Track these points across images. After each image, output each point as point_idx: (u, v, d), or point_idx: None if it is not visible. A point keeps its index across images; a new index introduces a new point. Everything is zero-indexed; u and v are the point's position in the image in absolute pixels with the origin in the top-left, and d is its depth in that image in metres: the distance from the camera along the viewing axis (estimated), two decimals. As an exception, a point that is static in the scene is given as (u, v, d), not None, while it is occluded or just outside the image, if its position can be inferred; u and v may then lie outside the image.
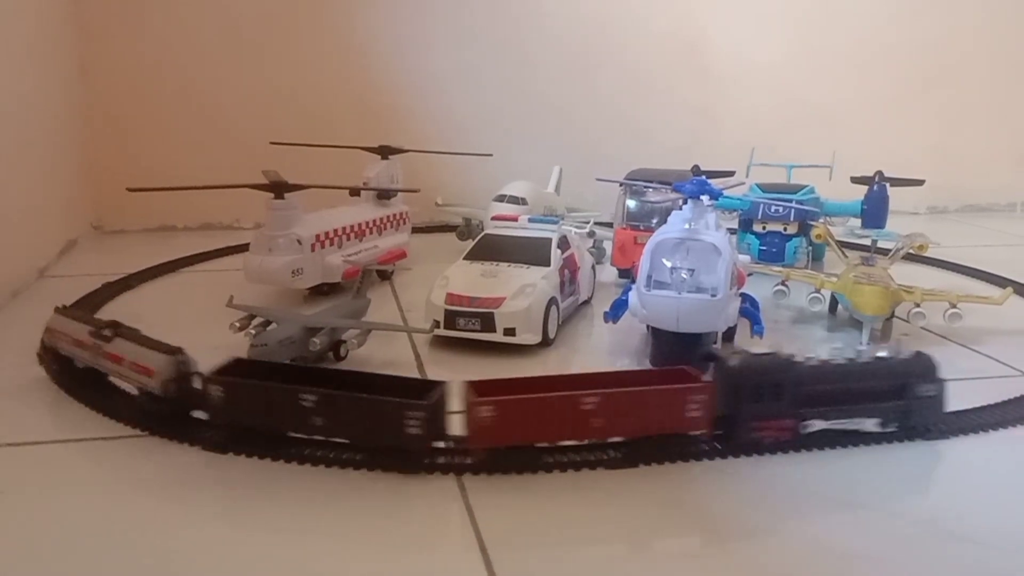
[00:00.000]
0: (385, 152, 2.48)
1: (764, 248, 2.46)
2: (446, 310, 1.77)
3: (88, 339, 1.49)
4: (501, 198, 2.49)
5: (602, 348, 1.86)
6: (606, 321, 1.78)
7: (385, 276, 2.35)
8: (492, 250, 1.95)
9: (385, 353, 1.79)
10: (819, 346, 1.89)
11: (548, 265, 1.90)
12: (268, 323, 1.67)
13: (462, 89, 3.07)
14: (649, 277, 1.64)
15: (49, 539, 1.11)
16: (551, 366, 1.77)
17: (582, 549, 1.12)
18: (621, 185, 2.32)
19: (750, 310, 1.72)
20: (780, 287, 2.00)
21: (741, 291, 1.82)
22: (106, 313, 2.03)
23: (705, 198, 1.73)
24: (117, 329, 1.48)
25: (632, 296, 1.69)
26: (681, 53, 3.16)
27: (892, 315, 2.00)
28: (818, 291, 1.95)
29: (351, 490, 1.24)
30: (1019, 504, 1.26)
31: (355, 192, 2.40)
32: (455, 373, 1.70)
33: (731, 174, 2.80)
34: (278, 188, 2.02)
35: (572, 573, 1.07)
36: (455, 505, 1.20)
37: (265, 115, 2.86)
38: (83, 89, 2.77)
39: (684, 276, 1.63)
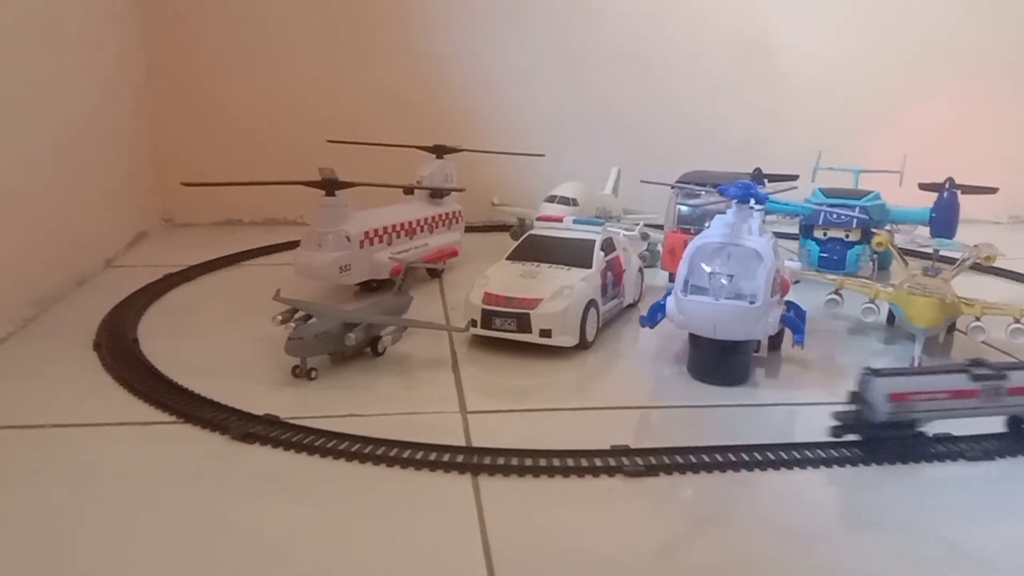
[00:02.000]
0: (440, 151, 2.50)
1: (825, 255, 2.38)
2: (483, 309, 1.77)
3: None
4: (552, 199, 2.47)
5: (642, 353, 1.83)
6: (643, 325, 1.75)
7: (435, 274, 2.36)
8: (535, 250, 1.94)
9: (424, 351, 1.80)
10: (874, 359, 1.82)
11: (590, 267, 1.88)
12: (309, 317, 1.71)
13: (520, 90, 3.07)
14: (686, 282, 1.61)
15: (72, 520, 1.15)
16: (587, 369, 1.76)
17: (585, 557, 1.10)
18: (672, 187, 2.28)
19: (792, 319, 1.66)
20: (833, 296, 1.93)
21: (786, 299, 1.77)
22: (163, 303, 2.12)
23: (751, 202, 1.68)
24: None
25: (670, 301, 1.66)
26: (745, 52, 3.07)
27: (952, 328, 1.92)
28: (872, 301, 1.87)
29: (371, 482, 1.26)
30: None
31: (409, 191, 2.42)
32: (488, 372, 1.74)
33: (794, 178, 2.73)
34: (328, 185, 2.05)
35: (573, 578, 1.06)
36: (464, 501, 1.20)
37: (325, 114, 2.91)
38: (154, 88, 2.87)
39: (723, 282, 1.59)
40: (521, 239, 1.99)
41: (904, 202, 2.59)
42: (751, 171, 2.69)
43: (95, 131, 2.45)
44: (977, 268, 2.15)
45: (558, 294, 1.77)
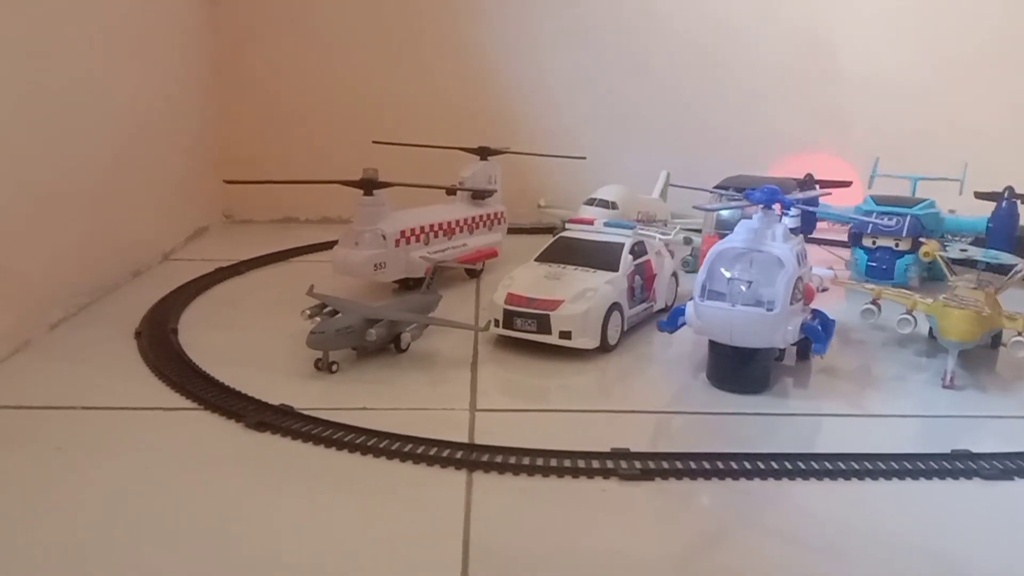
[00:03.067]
0: (484, 153, 2.53)
1: (873, 264, 2.32)
2: (505, 309, 1.79)
3: None
4: (591, 201, 2.47)
5: (664, 358, 1.82)
6: (661, 330, 1.73)
7: (474, 274, 2.39)
8: (563, 252, 1.95)
9: (449, 349, 1.82)
10: (909, 372, 1.77)
11: (616, 270, 1.87)
12: (336, 312, 1.75)
13: (572, 90, 3.06)
14: (704, 287, 1.60)
15: (83, 495, 1.22)
16: (608, 373, 1.76)
17: (559, 556, 1.11)
18: (712, 191, 2.25)
19: (813, 327, 1.62)
20: (869, 306, 1.87)
21: (815, 308, 1.73)
22: (208, 296, 2.20)
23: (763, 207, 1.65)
24: None
25: (689, 306, 1.65)
26: (806, 54, 3.00)
27: (996, 344, 1.84)
28: (909, 312, 1.81)
29: (367, 473, 1.29)
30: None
31: (451, 191, 2.46)
32: (508, 372, 1.75)
33: (847, 184, 2.67)
34: (366, 185, 2.10)
35: (548, 577, 1.07)
36: (454, 496, 1.22)
37: (379, 115, 2.97)
38: (218, 89, 2.99)
39: (742, 288, 1.57)
40: (552, 241, 2.00)
41: (967, 211, 2.50)
42: (804, 175, 2.66)
43: (158, 130, 2.57)
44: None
45: (580, 296, 1.77)
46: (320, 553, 1.10)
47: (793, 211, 1.85)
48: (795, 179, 2.51)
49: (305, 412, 1.47)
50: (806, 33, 2.99)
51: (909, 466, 1.34)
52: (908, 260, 2.28)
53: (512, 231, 2.66)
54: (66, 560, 1.08)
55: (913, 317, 1.80)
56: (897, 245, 2.30)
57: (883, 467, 1.33)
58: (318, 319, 1.72)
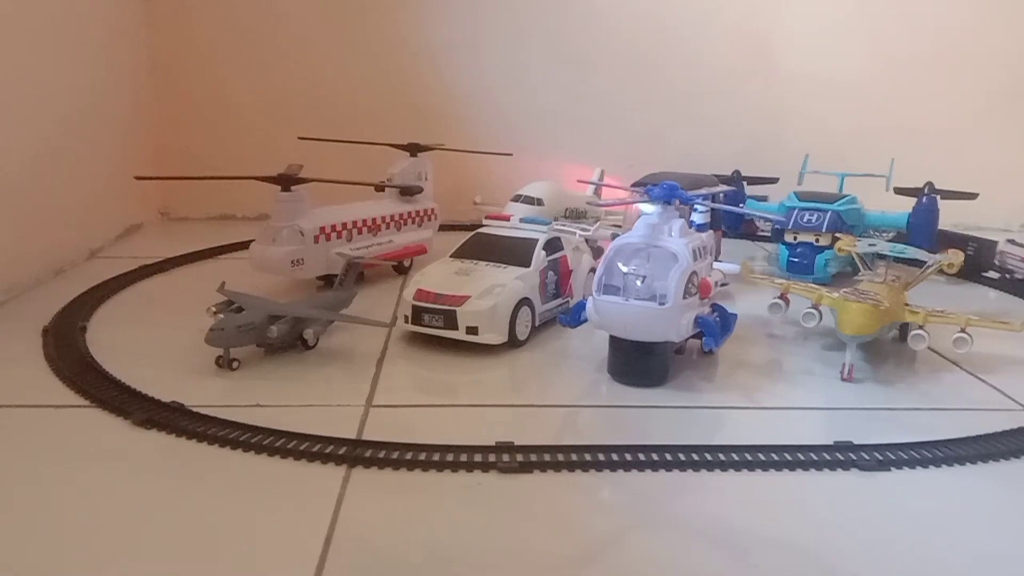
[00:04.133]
0: (414, 149, 2.53)
1: (794, 259, 2.35)
2: (413, 305, 1.80)
3: None
4: (517, 198, 2.48)
5: (575, 353, 1.82)
6: (562, 324, 1.74)
7: (402, 270, 2.40)
8: (477, 249, 1.95)
9: (359, 345, 1.83)
10: (815, 365, 1.79)
11: (528, 266, 1.88)
12: (241, 309, 1.75)
13: (513, 87, 3.08)
14: (601, 281, 1.61)
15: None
16: (516, 368, 1.76)
17: (421, 550, 1.11)
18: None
19: (707, 321, 1.63)
20: (777, 301, 1.89)
21: (715, 303, 1.75)
22: (126, 293, 2.19)
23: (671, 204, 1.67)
24: None
25: (589, 301, 1.66)
26: (743, 52, 3.02)
27: (905, 336, 1.87)
28: (814, 306, 1.83)
29: (244, 469, 1.29)
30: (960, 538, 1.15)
31: (379, 188, 2.46)
32: (415, 367, 1.76)
33: (774, 181, 2.70)
34: (283, 181, 2.10)
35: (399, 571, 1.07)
36: (329, 491, 1.23)
37: (313, 111, 2.97)
38: (153, 83, 2.97)
39: (637, 283, 1.58)
40: (468, 237, 2.01)
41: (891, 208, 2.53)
42: (731, 172, 2.68)
43: (88, 127, 2.55)
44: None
45: (487, 292, 1.78)
46: (180, 547, 1.10)
47: (701, 207, 1.86)
48: (719, 176, 2.53)
49: (196, 409, 1.46)
50: (744, 32, 3.01)
51: (789, 457, 1.35)
52: (828, 255, 2.30)
53: (450, 228, 2.66)
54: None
55: (818, 311, 1.82)
56: (818, 240, 2.32)
57: (763, 458, 1.35)
58: (223, 316, 1.72)
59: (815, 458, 1.35)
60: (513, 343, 1.81)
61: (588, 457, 1.33)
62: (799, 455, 1.36)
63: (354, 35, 3.04)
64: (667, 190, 1.67)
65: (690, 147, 2.91)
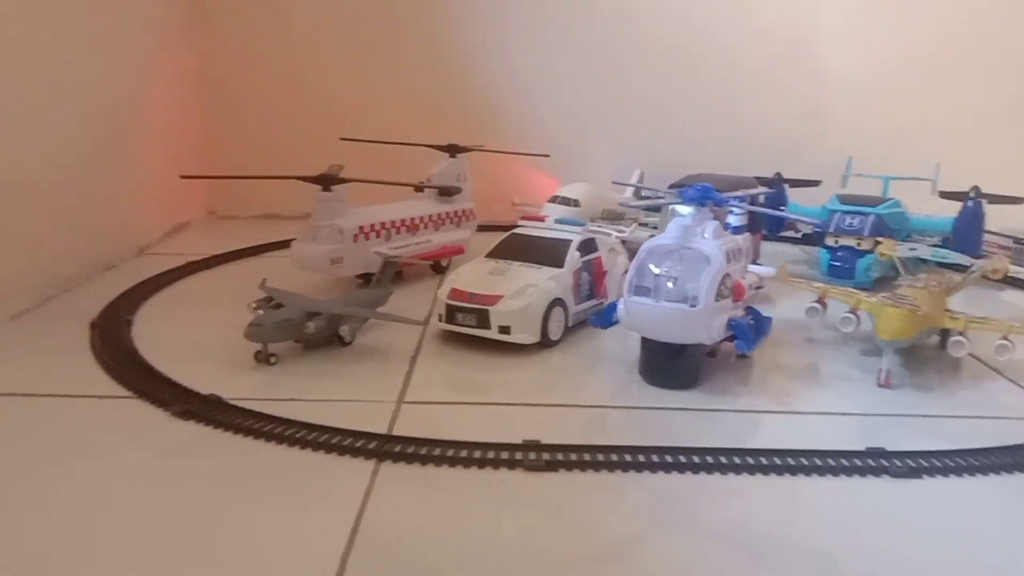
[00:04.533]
0: (452, 150, 2.55)
1: (835, 263, 2.32)
2: (447, 304, 1.82)
3: None
4: (554, 199, 2.49)
5: (604, 354, 1.83)
6: (593, 325, 1.75)
7: (439, 270, 2.42)
8: (512, 249, 1.96)
9: (395, 342, 1.85)
10: (852, 370, 1.76)
11: (561, 267, 1.89)
12: (280, 306, 1.79)
13: (548, 88, 3.09)
14: (632, 283, 1.61)
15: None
16: (547, 368, 1.77)
17: (443, 545, 1.13)
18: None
19: (740, 324, 1.62)
20: (814, 305, 1.87)
21: (749, 306, 1.74)
22: (172, 289, 2.25)
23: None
24: None
25: (620, 302, 1.66)
26: (782, 53, 2.99)
27: (943, 343, 1.83)
28: (853, 311, 1.81)
29: (275, 460, 1.33)
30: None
31: (419, 188, 2.49)
32: (448, 365, 1.78)
33: (816, 183, 2.67)
34: (324, 181, 2.14)
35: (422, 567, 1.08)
36: (357, 484, 1.25)
37: (356, 112, 3.01)
38: (202, 85, 3.05)
39: (669, 284, 1.58)
40: (503, 237, 2.02)
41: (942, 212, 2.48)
42: (773, 174, 2.65)
43: (137, 128, 2.63)
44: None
45: (520, 292, 1.79)
46: (208, 534, 1.13)
47: (738, 209, 1.86)
48: (760, 178, 2.51)
49: (233, 402, 1.50)
50: (782, 32, 2.98)
51: (819, 462, 1.34)
52: (870, 259, 2.27)
53: (489, 228, 2.68)
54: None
55: (856, 316, 1.79)
56: (859, 244, 2.29)
57: (791, 463, 1.34)
58: (262, 312, 1.76)
59: (845, 464, 1.34)
60: (545, 343, 1.82)
61: (615, 457, 1.33)
62: (829, 460, 1.34)
63: (395, 38, 3.08)
64: (701, 191, 1.67)
65: (730, 149, 2.89)
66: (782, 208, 2.56)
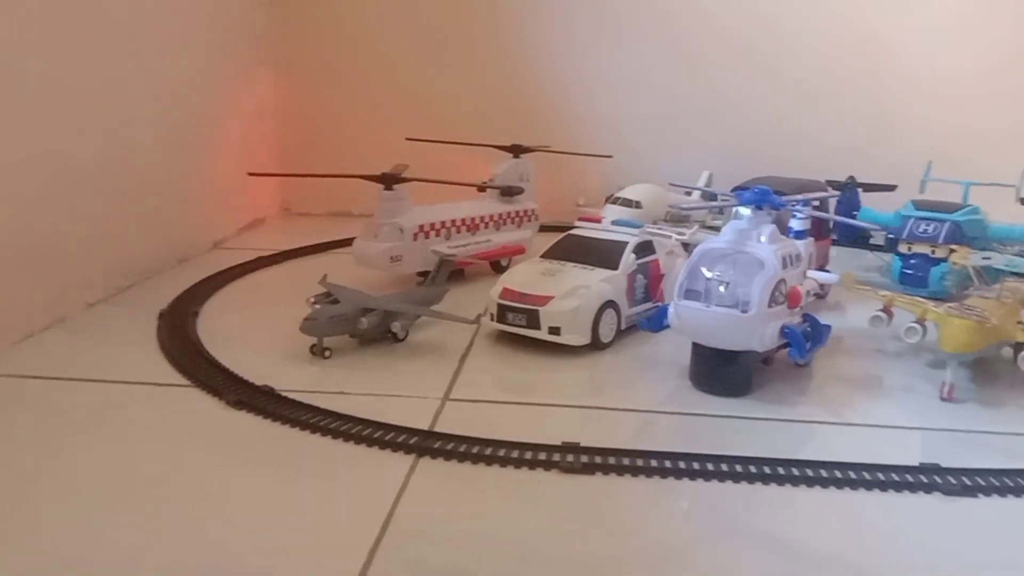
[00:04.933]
0: (516, 151, 2.56)
1: (908, 272, 2.22)
2: (498, 304, 1.83)
3: None
4: (615, 200, 2.47)
5: (657, 358, 1.79)
6: (642, 328, 1.73)
7: (500, 269, 2.43)
8: (567, 250, 1.96)
9: (447, 339, 1.87)
10: (917, 382, 1.69)
11: (615, 269, 1.88)
12: (337, 301, 1.82)
13: (615, 89, 3.06)
14: (682, 285, 1.58)
15: (61, 461, 1.33)
16: (597, 370, 1.76)
17: (472, 541, 1.13)
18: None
19: (794, 331, 1.57)
20: (879, 313, 1.80)
21: (807, 313, 1.69)
22: (240, 282, 2.33)
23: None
24: None
25: (671, 306, 1.63)
26: (856, 51, 2.88)
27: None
28: (919, 321, 1.74)
29: (317, 452, 1.36)
30: None
31: (482, 188, 2.51)
32: (497, 364, 1.79)
33: (892, 188, 2.58)
34: (386, 180, 2.18)
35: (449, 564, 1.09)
36: (394, 478, 1.27)
37: (428, 112, 3.05)
38: (278, 84, 3.13)
39: (720, 288, 1.55)
40: (559, 239, 2.02)
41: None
42: (846, 178, 2.58)
43: (215, 125, 2.73)
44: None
45: (571, 293, 1.79)
46: (246, 519, 1.17)
47: (800, 214, 1.81)
48: (832, 182, 2.45)
49: (285, 393, 1.54)
50: (856, 30, 2.88)
51: (867, 476, 1.30)
52: (944, 268, 2.17)
53: (553, 229, 2.67)
54: (24, 507, 1.19)
55: (922, 326, 1.72)
56: (934, 252, 2.20)
57: (839, 476, 1.30)
58: (318, 307, 1.80)
59: (896, 479, 1.29)
60: (596, 345, 1.81)
61: (654, 463, 1.32)
62: (879, 475, 1.30)
63: (464, 38, 3.11)
64: (758, 194, 1.63)
65: (803, 150, 2.80)
66: (854, 214, 2.48)
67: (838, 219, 2.05)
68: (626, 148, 2.90)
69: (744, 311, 1.51)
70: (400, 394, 1.58)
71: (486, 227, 2.41)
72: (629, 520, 1.21)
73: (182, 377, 1.64)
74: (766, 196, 1.63)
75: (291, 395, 1.54)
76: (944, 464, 1.32)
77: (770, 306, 1.53)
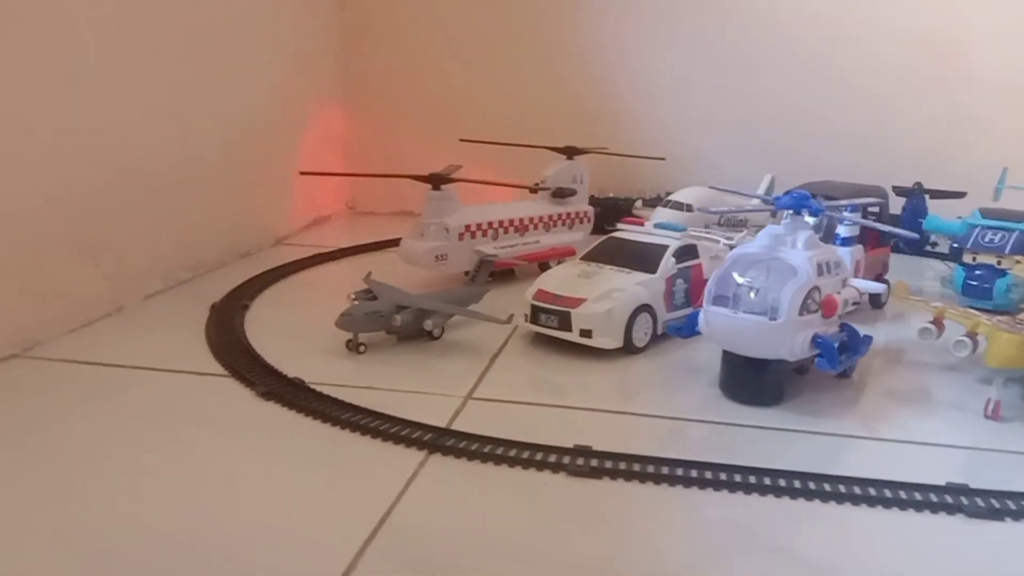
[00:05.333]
0: (571, 152, 2.55)
1: (971, 283, 2.12)
2: (532, 305, 1.83)
3: None
4: (666, 203, 2.43)
5: (691, 364, 1.76)
6: (670, 333, 1.70)
7: (544, 269, 2.43)
8: (607, 253, 1.94)
9: (484, 339, 1.88)
10: (962, 399, 1.62)
11: (654, 272, 1.85)
12: (375, 298, 1.86)
13: (675, 91, 3.03)
14: (710, 290, 1.55)
15: (95, 437, 1.40)
16: (628, 374, 1.75)
17: (467, 538, 1.14)
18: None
19: (826, 341, 1.51)
20: (927, 326, 1.73)
21: (844, 323, 1.63)
22: (295, 277, 2.39)
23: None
24: None
25: (702, 312, 1.60)
26: (933, 56, 2.76)
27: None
28: (969, 335, 1.65)
29: (333, 444, 1.39)
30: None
31: (533, 190, 2.51)
32: (528, 364, 1.79)
33: (961, 195, 2.47)
34: (434, 180, 2.20)
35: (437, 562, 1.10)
36: (402, 473, 1.29)
37: (487, 113, 3.07)
38: (345, 87, 3.21)
39: (751, 295, 1.51)
40: (600, 240, 2.01)
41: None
42: (912, 184, 2.48)
43: (282, 126, 2.81)
44: None
45: (605, 296, 1.77)
46: (244, 501, 1.21)
47: (849, 220, 1.75)
48: (898, 187, 2.35)
49: (313, 386, 1.58)
50: (929, 31, 2.76)
51: (888, 494, 1.25)
52: (1011, 279, 2.06)
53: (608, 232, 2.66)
54: (58, 481, 1.26)
55: (972, 340, 1.64)
56: (999, 263, 2.09)
57: (858, 492, 1.25)
58: (356, 303, 1.84)
59: (919, 498, 1.24)
60: (630, 349, 1.79)
61: (665, 470, 1.30)
62: (901, 493, 1.25)
63: (524, 41, 3.12)
64: (796, 199, 1.59)
65: (868, 155, 2.71)
66: (919, 221, 2.37)
67: (869, 223, 1.95)
68: (685, 150, 2.86)
69: (773, 318, 1.47)
70: (425, 391, 1.60)
71: (535, 228, 2.41)
72: (630, 526, 1.19)
73: (220, 367, 1.70)
74: (804, 201, 1.58)
75: (321, 388, 1.58)
76: (973, 485, 1.26)
77: (801, 314, 1.49)
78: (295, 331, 1.92)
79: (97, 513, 1.19)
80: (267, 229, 2.77)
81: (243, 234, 2.61)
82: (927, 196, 2.43)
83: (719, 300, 1.54)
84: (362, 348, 1.78)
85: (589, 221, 2.57)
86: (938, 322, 1.74)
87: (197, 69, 2.32)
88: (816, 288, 1.51)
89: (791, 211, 1.59)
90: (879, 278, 2.14)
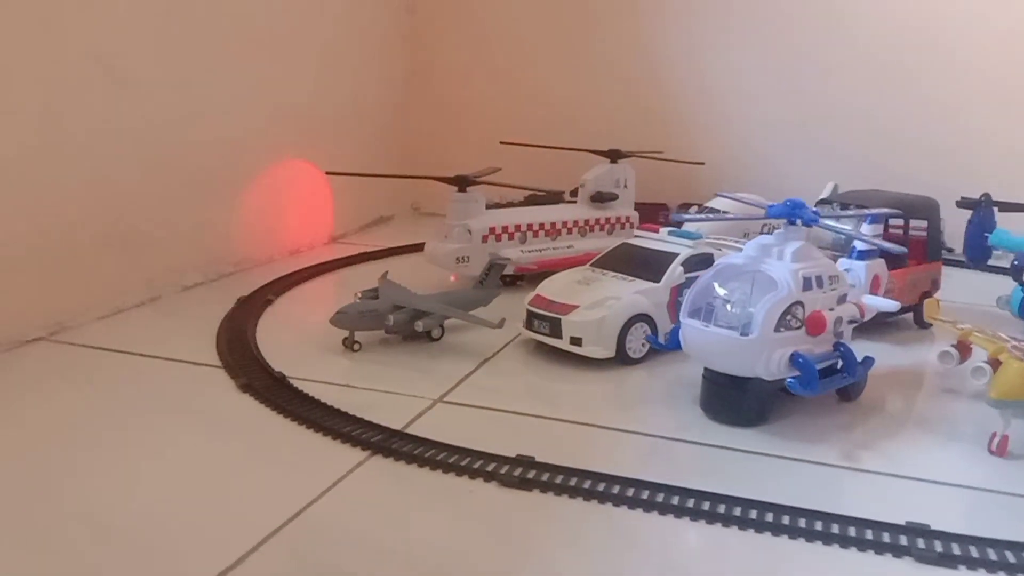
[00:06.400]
0: (614, 156, 2.49)
1: (1031, 303, 1.93)
2: (527, 310, 1.79)
3: None
4: (702, 210, 2.33)
5: (689, 379, 1.66)
6: (654, 346, 1.62)
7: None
8: (615, 259, 1.89)
9: (485, 343, 1.86)
10: (972, 430, 1.46)
11: (657, 281, 1.78)
12: (377, 297, 1.88)
13: (739, 95, 2.91)
14: (687, 301, 1.48)
15: (83, 415, 1.48)
16: (621, 386, 1.69)
17: (369, 542, 1.13)
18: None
19: (805, 361, 1.39)
20: (949, 349, 1.58)
21: (840, 343, 1.50)
22: (330, 275, 2.45)
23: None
24: None
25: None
26: (1014, 64, 2.53)
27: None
28: (990, 361, 1.49)
29: (284, 437, 1.42)
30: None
31: (574, 193, 2.47)
32: (520, 369, 1.77)
33: (1030, 208, 2.24)
34: (460, 182, 2.20)
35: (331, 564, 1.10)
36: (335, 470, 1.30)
37: (539, 116, 3.05)
38: (410, 91, 3.26)
39: (727, 307, 1.43)
40: (612, 247, 1.95)
41: None
42: (980, 195, 2.27)
43: (345, 128, 2.89)
44: None
45: (598, 303, 1.72)
46: (161, 490, 1.25)
47: (868, 232, 1.62)
48: (966, 199, 2.18)
49: (292, 381, 1.61)
50: (1015, 39, 2.52)
51: (836, 530, 1.15)
52: (1072, 302, 1.86)
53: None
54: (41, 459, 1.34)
55: (992, 366, 1.48)
56: (1063, 284, 1.89)
57: (803, 526, 1.16)
58: (355, 302, 1.86)
59: (869, 537, 1.13)
60: (624, 360, 1.73)
61: (601, 487, 1.24)
62: (850, 529, 1.15)
63: (579, 44, 3.09)
64: (789, 208, 1.49)
65: (939, 164, 2.52)
66: (986, 235, 2.18)
67: (850, 233, 1.80)
68: (749, 156, 2.74)
69: (744, 333, 1.38)
70: (399, 392, 1.60)
71: (568, 232, 2.37)
72: (539, 542, 1.15)
73: (216, 358, 1.75)
74: (797, 210, 1.48)
75: (301, 384, 1.61)
76: (935, 527, 1.14)
77: (778, 330, 1.39)
78: (304, 327, 1.97)
79: (24, 485, 1.25)
80: (322, 228, 2.84)
81: (295, 232, 2.69)
82: (996, 208, 2.21)
83: (695, 312, 1.46)
84: (357, 346, 1.80)
85: (632, 226, 2.50)
86: (963, 345, 1.59)
87: (257, 65, 2.42)
88: (798, 303, 1.41)
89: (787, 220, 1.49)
90: (926, 295, 1.98)
